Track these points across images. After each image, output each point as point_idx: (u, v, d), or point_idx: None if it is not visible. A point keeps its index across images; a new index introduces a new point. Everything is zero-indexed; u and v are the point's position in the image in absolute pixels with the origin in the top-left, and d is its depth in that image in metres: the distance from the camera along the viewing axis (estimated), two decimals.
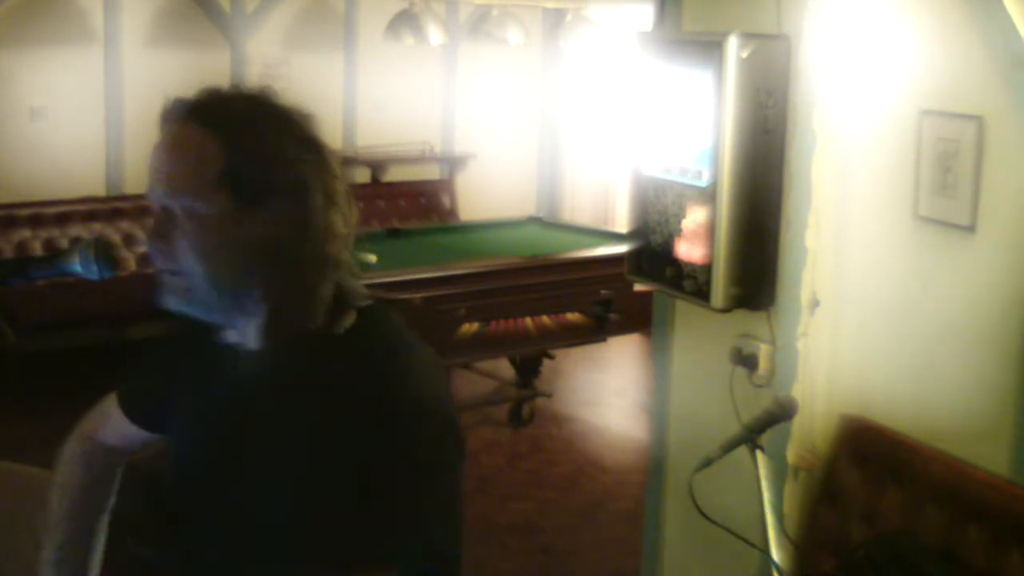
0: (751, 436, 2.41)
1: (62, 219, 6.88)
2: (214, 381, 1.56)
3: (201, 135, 1.44)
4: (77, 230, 6.83)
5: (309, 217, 1.45)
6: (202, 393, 1.58)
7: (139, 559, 1.65)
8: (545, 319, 5.66)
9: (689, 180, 2.89)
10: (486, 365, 6.45)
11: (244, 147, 1.43)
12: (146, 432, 1.75)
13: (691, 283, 2.90)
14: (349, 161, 7.57)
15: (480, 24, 7.83)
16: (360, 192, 7.38)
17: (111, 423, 1.77)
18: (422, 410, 1.45)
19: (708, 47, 2.78)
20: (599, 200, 9.17)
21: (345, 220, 1.49)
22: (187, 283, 1.46)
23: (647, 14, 3.51)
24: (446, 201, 8.43)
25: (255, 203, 1.43)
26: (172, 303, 1.48)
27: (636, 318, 5.47)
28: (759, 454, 2.39)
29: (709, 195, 2.81)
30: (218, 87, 1.50)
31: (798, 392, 2.79)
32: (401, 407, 1.43)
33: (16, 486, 2.47)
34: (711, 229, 2.82)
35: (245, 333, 1.52)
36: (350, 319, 1.49)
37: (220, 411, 1.54)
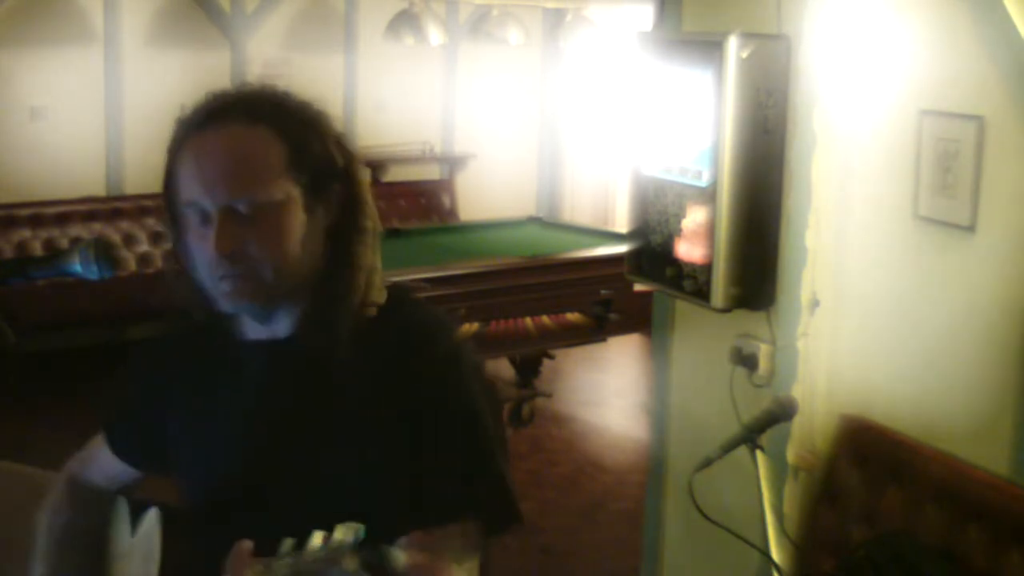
0: (751, 436, 2.42)
1: (62, 219, 6.88)
2: (242, 382, 1.55)
3: (256, 131, 1.47)
4: (77, 230, 6.84)
5: (363, 196, 1.54)
6: (225, 399, 1.56)
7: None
8: (545, 319, 5.66)
9: (689, 180, 2.89)
10: (486, 365, 6.44)
11: (298, 134, 1.48)
12: (134, 470, 1.74)
13: (691, 283, 2.90)
14: None
15: (480, 24, 7.82)
16: None
17: (97, 463, 1.76)
18: (465, 369, 1.53)
19: (708, 47, 2.78)
20: (599, 200, 9.17)
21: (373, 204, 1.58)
22: (261, 281, 1.47)
23: (647, 14, 3.51)
24: (446, 201, 8.43)
25: (319, 187, 1.49)
26: (241, 306, 1.50)
27: (636, 318, 5.46)
28: (759, 454, 2.39)
29: (709, 195, 2.81)
30: (235, 87, 1.53)
31: (798, 392, 2.79)
32: (448, 369, 1.50)
33: (16, 486, 2.47)
34: (711, 229, 2.82)
35: (275, 323, 1.53)
36: (383, 296, 1.56)
37: (261, 408, 1.53)
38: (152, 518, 1.79)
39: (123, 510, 1.77)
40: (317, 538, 1.21)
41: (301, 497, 1.49)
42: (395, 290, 1.59)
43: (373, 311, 1.53)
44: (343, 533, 1.20)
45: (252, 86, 1.54)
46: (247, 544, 1.26)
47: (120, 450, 1.73)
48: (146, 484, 1.78)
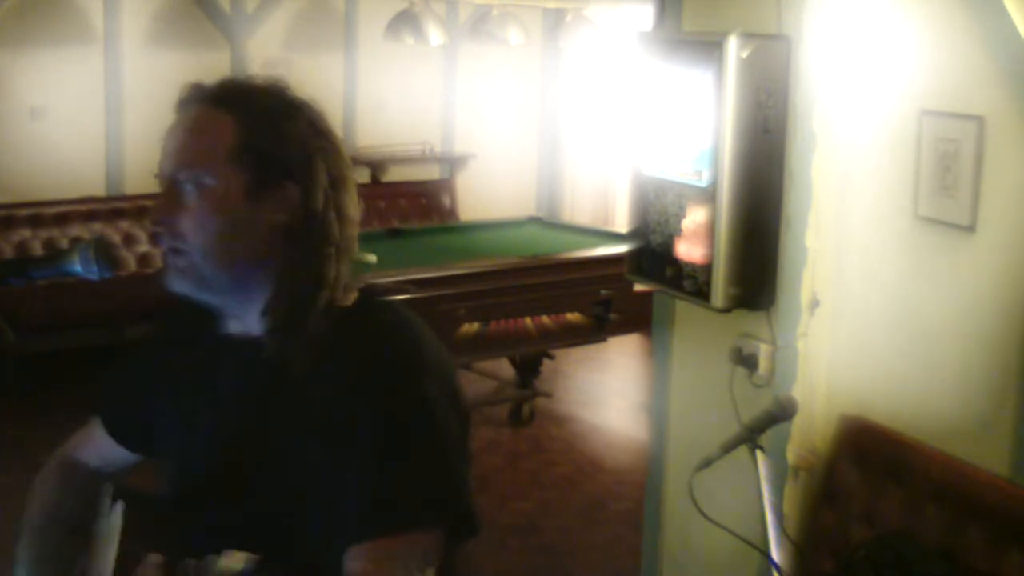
0: (751, 436, 2.41)
1: (62, 219, 6.88)
2: (218, 376, 1.55)
3: (216, 114, 1.48)
4: (77, 230, 6.84)
5: (317, 201, 1.48)
6: (205, 391, 1.57)
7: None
8: (545, 319, 5.66)
9: (689, 180, 2.89)
10: (486, 365, 6.45)
11: (257, 127, 1.47)
12: (130, 454, 1.75)
13: (691, 283, 2.90)
14: None
15: (480, 24, 7.82)
16: (360, 192, 7.37)
17: (93, 444, 1.76)
18: (423, 375, 1.47)
19: (708, 47, 2.78)
20: (599, 200, 9.17)
21: (355, 204, 1.53)
22: (191, 261, 1.47)
23: (647, 14, 3.51)
24: (446, 201, 8.43)
25: (265, 183, 1.46)
26: (176, 284, 1.50)
27: (636, 318, 5.46)
28: (759, 454, 2.39)
29: (709, 195, 2.81)
30: (235, 76, 1.54)
31: (798, 392, 2.79)
32: (405, 375, 1.46)
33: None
34: (711, 229, 2.82)
35: (247, 320, 1.53)
36: (352, 298, 1.53)
37: (232, 404, 1.53)
38: (116, 508, 1.81)
39: (107, 495, 1.78)
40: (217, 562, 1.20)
41: (266, 496, 1.49)
42: (366, 292, 1.56)
43: (337, 314, 1.50)
44: (234, 562, 1.19)
45: (242, 78, 1.54)
46: (157, 558, 1.27)
47: (115, 431, 1.74)
48: (136, 471, 1.79)
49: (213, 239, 1.46)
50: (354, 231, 1.53)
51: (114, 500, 1.77)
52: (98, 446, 1.76)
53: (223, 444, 1.53)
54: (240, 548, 1.48)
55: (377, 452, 1.42)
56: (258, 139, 1.46)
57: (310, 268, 1.48)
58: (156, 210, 1.48)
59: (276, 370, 1.48)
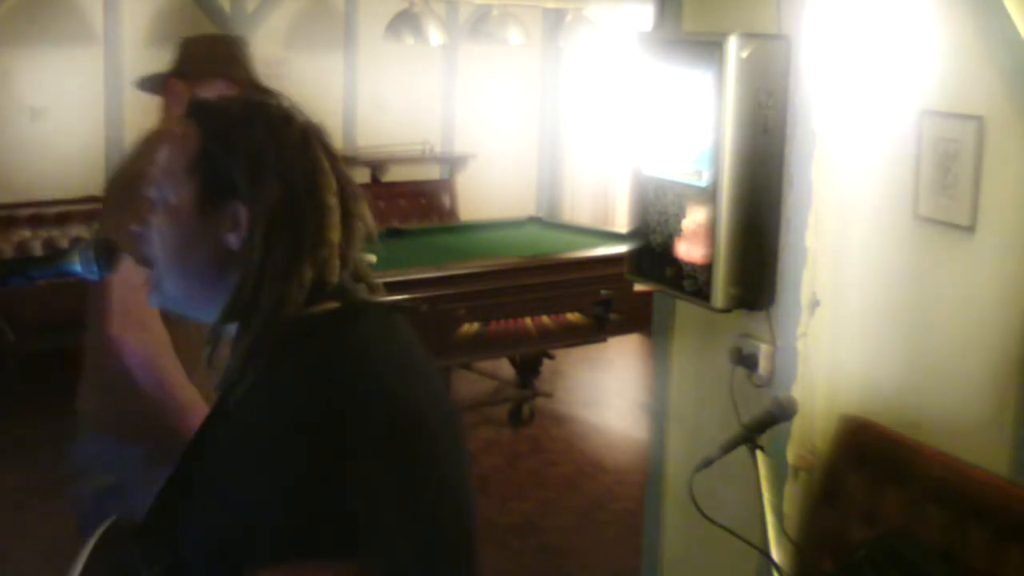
0: (751, 436, 2.41)
1: (62, 219, 6.88)
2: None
3: (187, 126, 1.44)
4: (77, 230, 6.84)
5: (265, 221, 1.39)
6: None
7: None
8: (545, 319, 5.66)
9: (689, 180, 2.89)
10: (486, 365, 6.45)
11: (222, 143, 1.41)
12: None
13: (691, 283, 2.90)
14: (349, 161, 7.56)
15: (480, 24, 7.82)
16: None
17: None
18: (384, 405, 1.35)
19: (708, 47, 2.78)
20: (599, 200, 9.18)
21: (323, 227, 1.42)
22: (158, 274, 1.45)
23: (647, 14, 3.51)
24: (446, 201, 8.43)
25: (218, 198, 1.40)
26: (150, 298, 1.48)
27: (636, 318, 5.47)
28: (759, 454, 2.39)
29: (709, 195, 2.81)
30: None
31: (798, 392, 2.79)
32: (362, 399, 1.34)
33: None
34: (711, 229, 2.82)
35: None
36: (326, 307, 1.42)
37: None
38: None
39: None
40: None
41: (204, 516, 1.41)
42: (349, 310, 1.44)
43: (284, 332, 1.40)
44: None
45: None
46: None
47: None
48: None
49: (168, 253, 1.43)
50: (317, 253, 1.41)
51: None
52: None
53: (186, 449, 1.50)
54: (190, 555, 1.41)
55: (299, 476, 1.30)
56: (219, 154, 1.40)
57: (247, 289, 1.39)
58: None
59: (231, 381, 1.42)
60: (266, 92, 1.49)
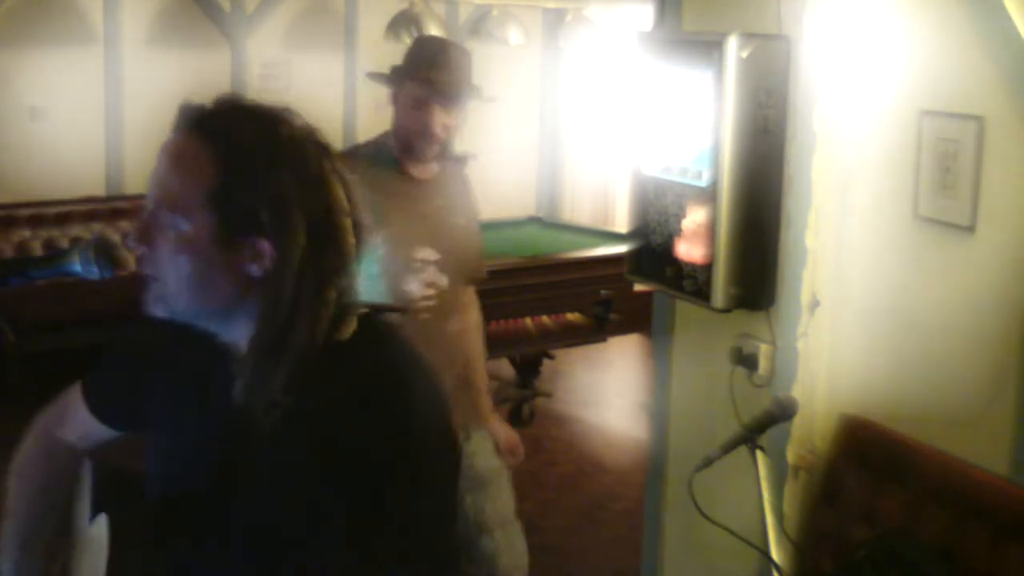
0: (751, 436, 2.41)
1: (62, 219, 6.88)
2: (209, 385, 1.50)
3: (201, 150, 1.40)
4: (77, 230, 6.84)
5: (291, 260, 1.39)
6: (196, 396, 1.53)
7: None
8: (545, 319, 5.66)
9: (689, 180, 2.89)
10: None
11: (240, 174, 1.39)
12: (111, 430, 1.72)
13: (691, 283, 2.90)
14: None
15: (480, 24, 7.82)
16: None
17: (73, 420, 1.74)
18: (425, 423, 1.42)
19: (708, 47, 2.78)
20: (599, 200, 9.17)
21: (343, 253, 1.44)
22: (164, 292, 1.44)
23: (647, 14, 3.51)
24: None
25: (236, 233, 1.39)
26: (154, 309, 1.46)
27: (636, 318, 5.46)
28: (759, 454, 2.39)
29: (709, 195, 2.81)
30: (236, 98, 1.46)
31: (798, 392, 2.79)
32: (404, 420, 1.40)
33: None
34: (711, 229, 2.82)
35: (236, 337, 1.47)
36: (349, 330, 1.45)
37: (218, 420, 1.48)
38: (101, 522, 1.80)
39: (87, 484, 1.77)
40: None
41: (243, 527, 1.43)
42: (370, 322, 1.48)
43: (333, 343, 1.43)
44: None
45: (241, 105, 1.46)
46: None
47: (102, 414, 1.71)
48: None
49: (183, 279, 1.42)
50: (339, 280, 1.44)
51: (96, 511, 1.77)
52: (78, 422, 1.73)
53: (208, 461, 1.49)
54: (220, 564, 1.44)
55: (361, 496, 1.36)
56: (238, 187, 1.38)
57: (279, 323, 1.40)
58: (134, 234, 1.43)
59: (265, 395, 1.42)
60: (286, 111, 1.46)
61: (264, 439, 1.42)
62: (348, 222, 1.45)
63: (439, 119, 2.70)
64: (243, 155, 1.40)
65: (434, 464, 1.42)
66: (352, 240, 1.45)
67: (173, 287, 1.43)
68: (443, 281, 2.66)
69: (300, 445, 1.40)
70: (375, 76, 3.01)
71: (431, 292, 2.64)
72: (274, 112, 1.45)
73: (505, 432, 3.19)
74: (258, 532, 1.42)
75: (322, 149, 1.46)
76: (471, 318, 3.06)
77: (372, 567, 1.36)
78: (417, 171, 2.78)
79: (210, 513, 1.47)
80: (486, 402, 3.14)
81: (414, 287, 2.62)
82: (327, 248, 1.42)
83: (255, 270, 1.41)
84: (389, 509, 1.37)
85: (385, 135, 2.96)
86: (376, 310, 1.52)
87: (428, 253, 2.68)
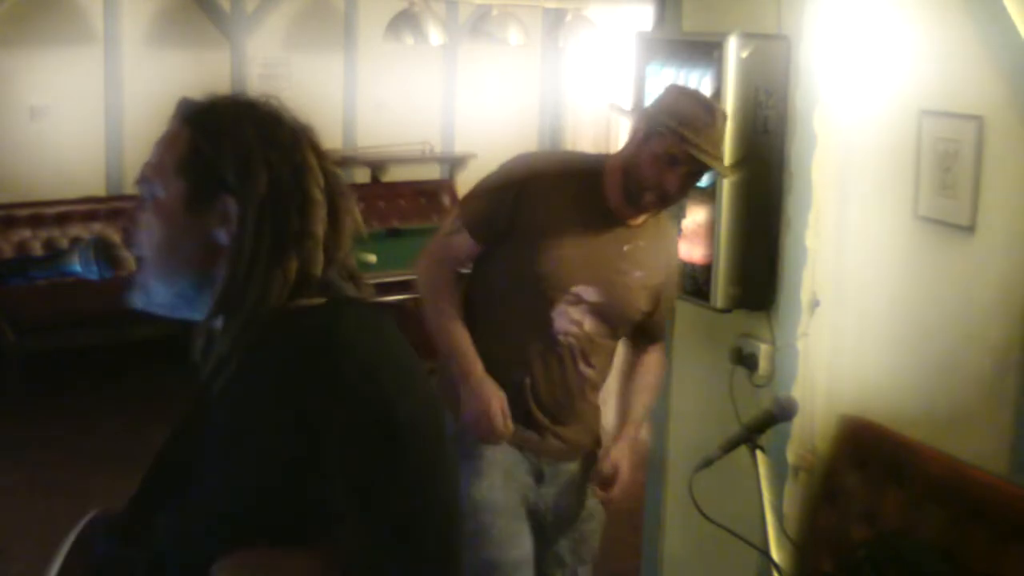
0: (751, 436, 2.41)
1: (62, 219, 6.88)
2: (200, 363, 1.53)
3: (181, 128, 1.46)
4: (77, 230, 6.83)
5: (254, 210, 1.42)
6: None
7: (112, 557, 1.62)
8: None
9: None
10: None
11: (211, 142, 1.44)
12: None
13: (691, 283, 2.90)
14: (349, 161, 7.57)
15: (480, 24, 7.82)
16: (360, 192, 7.37)
17: None
18: (335, 402, 1.36)
19: (708, 47, 2.78)
20: None
21: (312, 220, 1.44)
22: (143, 277, 1.47)
23: (647, 14, 3.51)
24: (446, 201, 8.42)
25: (207, 194, 1.43)
26: (133, 299, 1.49)
27: None
28: (759, 454, 2.39)
29: (709, 195, 2.81)
30: (222, 93, 1.50)
31: (798, 392, 2.79)
32: (337, 385, 1.36)
33: None
34: (711, 229, 2.82)
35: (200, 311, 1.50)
36: (311, 302, 1.44)
37: (192, 395, 1.52)
38: None
39: None
40: None
41: (193, 498, 1.41)
42: (334, 303, 1.46)
43: (281, 314, 1.42)
44: None
45: (225, 94, 1.50)
46: None
47: None
48: None
49: (155, 249, 1.45)
50: (302, 248, 1.43)
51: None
52: None
53: (174, 432, 1.52)
54: (178, 535, 1.41)
55: (285, 465, 1.33)
56: (208, 152, 1.43)
57: (237, 281, 1.42)
58: (129, 217, 1.51)
59: (218, 367, 1.44)
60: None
61: (213, 400, 1.43)
62: (319, 193, 1.45)
63: (684, 184, 2.43)
64: (211, 118, 1.46)
65: (365, 438, 1.36)
66: (321, 210, 1.45)
67: (148, 263, 1.46)
68: (586, 324, 2.57)
69: (234, 407, 1.39)
70: (620, 110, 2.76)
71: (572, 329, 2.57)
72: (257, 96, 1.49)
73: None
74: (204, 502, 1.39)
75: (300, 126, 1.48)
76: (620, 370, 2.85)
77: (313, 526, 1.32)
78: (622, 212, 2.53)
79: (173, 484, 1.46)
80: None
81: (559, 317, 2.57)
82: (290, 209, 1.44)
83: (223, 236, 1.43)
84: (325, 471, 1.33)
85: (605, 158, 2.61)
86: (362, 302, 1.51)
87: (587, 292, 2.56)
